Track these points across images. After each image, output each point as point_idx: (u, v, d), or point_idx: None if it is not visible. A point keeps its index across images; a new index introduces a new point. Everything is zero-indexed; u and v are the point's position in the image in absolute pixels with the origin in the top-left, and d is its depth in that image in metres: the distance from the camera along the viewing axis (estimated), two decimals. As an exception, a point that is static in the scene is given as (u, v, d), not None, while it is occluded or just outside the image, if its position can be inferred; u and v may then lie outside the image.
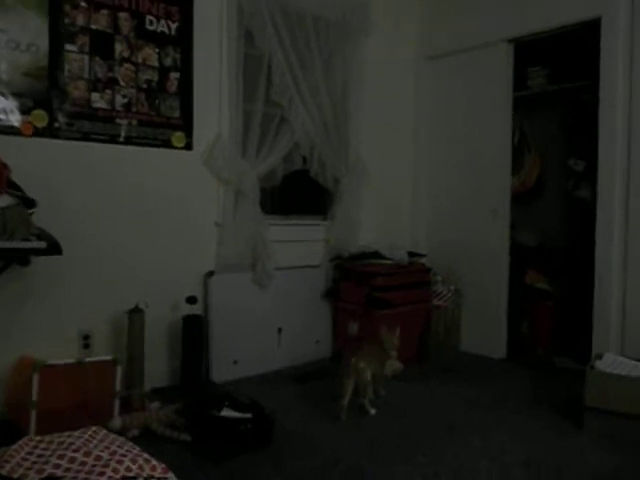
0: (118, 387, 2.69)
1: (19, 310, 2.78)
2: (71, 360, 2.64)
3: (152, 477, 1.05)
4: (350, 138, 4.06)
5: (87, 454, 1.17)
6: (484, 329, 4.12)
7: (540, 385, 3.44)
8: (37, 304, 2.82)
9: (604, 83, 3.43)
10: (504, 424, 2.80)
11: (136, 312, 2.95)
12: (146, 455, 1.28)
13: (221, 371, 3.38)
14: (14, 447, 1.26)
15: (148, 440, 2.45)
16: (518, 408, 3.04)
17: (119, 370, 2.70)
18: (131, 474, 1.10)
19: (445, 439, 2.62)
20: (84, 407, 2.58)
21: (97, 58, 2.96)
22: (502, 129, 4.03)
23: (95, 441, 1.24)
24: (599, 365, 2.86)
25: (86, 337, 3.00)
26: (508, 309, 4.07)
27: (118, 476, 1.00)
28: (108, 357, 2.73)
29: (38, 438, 1.27)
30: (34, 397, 2.46)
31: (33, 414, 2.45)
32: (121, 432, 2.38)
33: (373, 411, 2.89)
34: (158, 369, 3.20)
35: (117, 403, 2.68)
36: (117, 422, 2.54)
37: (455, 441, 2.60)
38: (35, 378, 2.47)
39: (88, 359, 2.68)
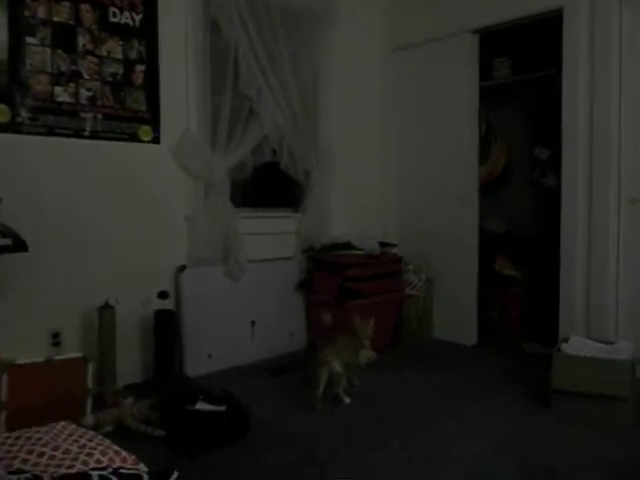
0: (90, 384, 2.65)
1: (-16, 309, 2.71)
2: (40, 359, 2.60)
3: (122, 468, 1.05)
4: (319, 130, 4.07)
5: (56, 448, 1.16)
6: (455, 317, 4.19)
7: (510, 370, 3.53)
8: (3, 302, 2.76)
9: (566, 73, 3.51)
10: (476, 408, 2.87)
11: (106, 308, 2.91)
12: (116, 447, 1.28)
13: (195, 365, 3.36)
14: (-20, 443, 1.25)
15: (122, 436, 2.42)
16: (489, 393, 3.11)
17: (90, 367, 2.66)
18: (101, 466, 1.10)
19: (419, 425, 2.66)
20: (56, 406, 2.53)
21: (59, 51, 2.89)
22: (469, 119, 4.08)
23: (64, 435, 1.23)
24: (565, 348, 2.94)
25: (55, 335, 2.95)
26: (478, 296, 4.14)
27: (88, 468, 1.00)
28: (78, 355, 2.70)
29: (5, 434, 1.25)
30: (3, 398, 2.41)
31: (3, 415, 2.41)
32: (94, 429, 2.35)
33: (348, 400, 2.92)
34: (131, 365, 3.18)
35: (89, 400, 2.65)
36: (90, 419, 2.52)
37: (429, 427, 2.65)
38: (3, 378, 2.43)
39: (58, 357, 2.64)
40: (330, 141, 4.08)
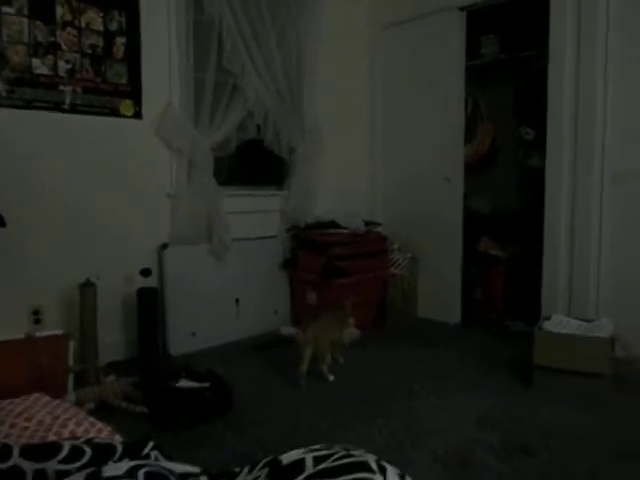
0: (71, 362, 2.64)
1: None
2: (21, 335, 2.57)
3: (96, 438, 1.04)
4: (304, 107, 4.02)
5: (29, 419, 1.14)
6: (440, 295, 4.21)
7: (493, 348, 3.56)
8: (-18, 279, 2.72)
9: (553, 51, 3.49)
10: (459, 385, 2.89)
11: (87, 286, 2.88)
12: (92, 419, 1.26)
13: (179, 343, 3.35)
14: (-49, 417, 1.22)
15: (104, 413, 2.40)
16: (473, 370, 3.14)
17: (71, 344, 2.64)
18: (75, 437, 1.09)
19: (402, 402, 2.68)
20: (37, 383, 2.51)
21: (37, 22, 2.81)
22: (455, 98, 4.06)
23: (37, 407, 1.21)
24: (547, 326, 2.97)
25: (36, 312, 2.92)
26: (462, 276, 4.17)
27: (61, 439, 0.98)
28: (59, 332, 2.67)
29: (-23, 407, 1.24)
30: (-17, 374, 2.38)
31: (-18, 392, 2.38)
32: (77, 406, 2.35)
33: (332, 377, 2.93)
34: (113, 343, 3.16)
35: (71, 378, 2.63)
36: (71, 396, 2.50)
37: (412, 403, 2.67)
38: (-17, 355, 2.40)
39: (39, 334, 2.62)
40: (316, 118, 4.04)
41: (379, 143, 4.54)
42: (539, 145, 4.01)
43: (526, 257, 4.13)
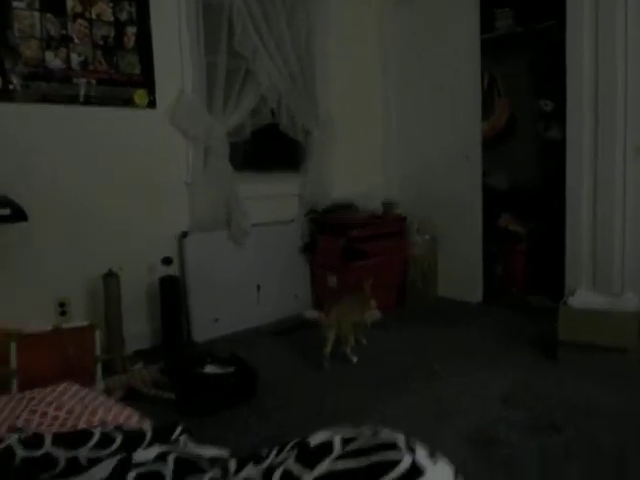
0: (98, 351, 2.68)
1: (-11, 280, 2.72)
2: (48, 328, 2.62)
3: (126, 425, 1.06)
4: (318, 89, 3.98)
5: (59, 408, 1.17)
6: (460, 274, 4.18)
7: (516, 324, 3.53)
8: (8, 273, 2.77)
9: (570, 22, 3.40)
10: (482, 363, 2.88)
11: (110, 276, 2.92)
12: (120, 405, 1.29)
13: (202, 330, 3.39)
14: (-17, 406, 1.26)
15: (133, 400, 2.45)
16: (495, 347, 3.12)
17: (98, 334, 2.68)
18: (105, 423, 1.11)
19: (426, 381, 2.68)
20: (66, 373, 2.56)
21: (48, 15, 2.82)
22: (471, 73, 3.99)
23: (67, 396, 1.23)
24: (571, 301, 2.94)
25: (62, 304, 2.97)
26: (483, 253, 4.13)
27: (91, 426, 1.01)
28: (85, 323, 2.71)
29: (7, 397, 1.26)
30: (13, 366, 2.44)
31: (14, 383, 2.43)
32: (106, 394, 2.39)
33: (355, 359, 2.94)
34: (138, 332, 3.20)
35: (99, 367, 2.67)
36: (100, 385, 2.55)
37: (435, 382, 2.67)
38: (13, 347, 2.45)
39: (65, 326, 2.66)
40: (329, 100, 4.01)
41: (394, 123, 4.48)
42: (559, 117, 3.93)
43: (547, 232, 4.07)
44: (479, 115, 4.06)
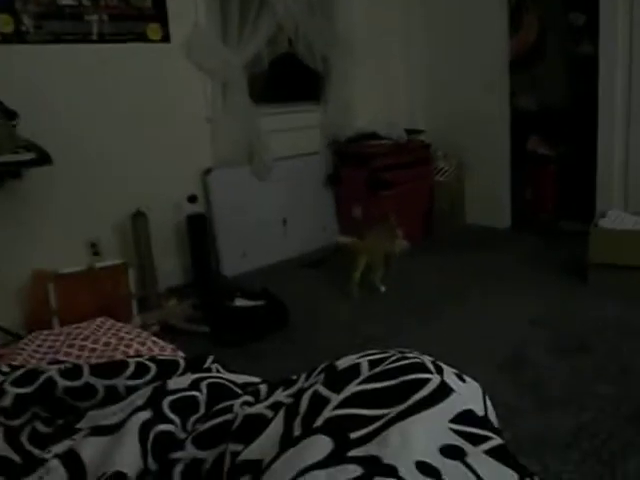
0: (132, 288, 2.76)
1: (22, 225, 2.77)
2: (82, 267, 2.69)
3: (160, 356, 1.10)
4: (337, 15, 3.82)
5: (96, 341, 1.22)
6: (488, 200, 4.12)
7: (546, 249, 3.50)
8: (38, 217, 2.82)
9: None
10: (511, 287, 2.88)
11: (139, 216, 2.95)
12: (154, 338, 1.34)
13: (231, 265, 3.44)
14: (24, 341, 1.31)
15: (168, 335, 2.54)
16: (525, 272, 3.11)
17: (131, 272, 2.76)
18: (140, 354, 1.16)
19: (455, 307, 2.71)
20: (103, 310, 2.65)
21: (56, -51, 2.72)
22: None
23: (103, 329, 1.29)
24: (602, 223, 2.89)
25: (93, 245, 3.03)
26: (511, 178, 4.04)
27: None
28: (118, 261, 2.78)
29: (46, 332, 1.32)
30: (53, 305, 2.54)
31: (55, 321, 2.54)
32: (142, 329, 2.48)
33: (383, 288, 2.98)
34: (170, 269, 3.27)
35: (134, 303, 2.76)
36: (137, 320, 2.64)
37: (465, 307, 2.69)
38: (51, 287, 2.54)
39: (99, 265, 2.73)
40: (349, 24, 3.84)
41: (417, 46, 4.30)
42: (591, 31, 3.71)
43: (578, 155, 3.95)
44: (506, 32, 3.88)
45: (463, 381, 0.75)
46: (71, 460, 0.80)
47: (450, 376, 0.74)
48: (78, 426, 0.90)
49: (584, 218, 3.44)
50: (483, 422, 0.69)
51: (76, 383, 0.94)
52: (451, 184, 4.15)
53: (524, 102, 4.37)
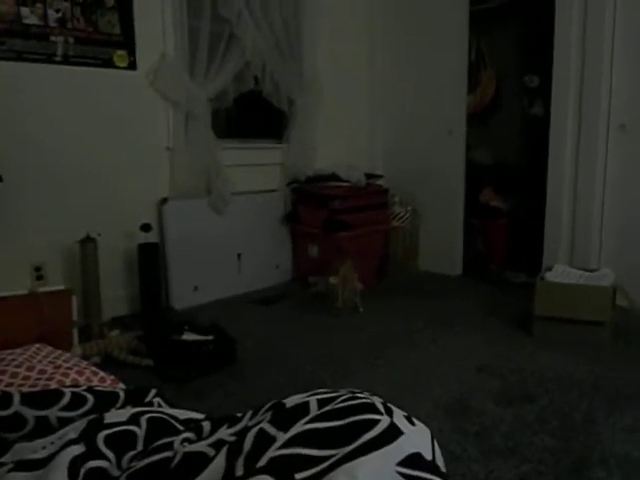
0: (75, 317, 2.65)
1: (-37, 243, 2.65)
2: (24, 291, 2.57)
3: (98, 387, 1.04)
4: (304, 57, 3.91)
5: (30, 368, 1.15)
6: (441, 248, 4.21)
7: (494, 299, 3.57)
8: (-18, 236, 2.71)
9: (560, -5, 3.36)
10: (460, 335, 2.92)
11: (88, 241, 2.87)
12: (94, 368, 1.27)
13: (181, 298, 3.37)
14: (-45, 366, 1.23)
15: (110, 367, 2.43)
16: (473, 320, 3.16)
17: (74, 299, 2.65)
18: (77, 385, 1.10)
19: (404, 350, 2.71)
20: (43, 338, 2.53)
21: (23, -32, 2.70)
22: (458, 45, 3.94)
23: (39, 357, 1.22)
24: (549, 276, 2.97)
25: (38, 269, 2.92)
26: (464, 227, 4.15)
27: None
28: (62, 287, 2.67)
29: (-22, 357, 1.24)
30: (-13, 329, 2.40)
31: (-12, 346, 2.40)
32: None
33: (362, 309, 3.29)
34: (116, 298, 3.17)
35: (76, 332, 2.65)
36: (77, 350, 2.52)
37: (414, 352, 2.69)
38: (-14, 311, 2.41)
39: (41, 289, 2.62)
40: (315, 69, 3.94)
41: (379, 94, 4.44)
42: (544, 93, 3.91)
43: (528, 209, 4.10)
44: (465, 88, 4.04)
45: (413, 424, 0.75)
46: (-10, 497, 0.74)
47: (400, 418, 0.73)
48: (2, 460, 0.84)
49: (532, 270, 3.55)
50: (431, 466, 0.68)
51: (4, 412, 0.87)
52: (406, 229, 4.22)
53: (479, 155, 4.54)
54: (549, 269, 3.08)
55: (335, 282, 3.24)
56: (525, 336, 2.88)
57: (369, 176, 3.99)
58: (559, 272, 3.01)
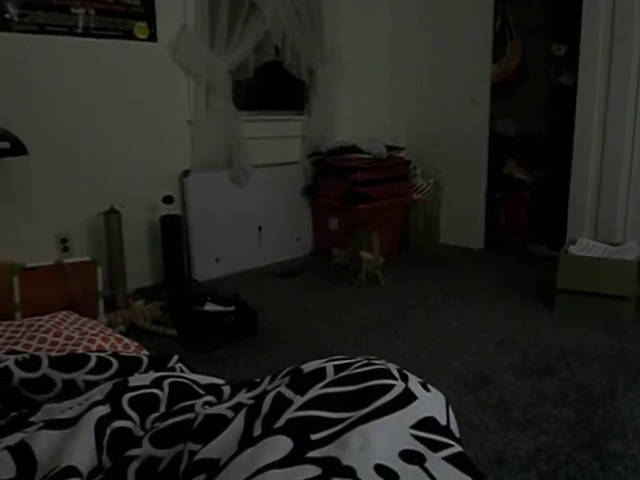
0: (100, 287, 2.71)
1: (-9, 215, 2.71)
2: (50, 262, 2.63)
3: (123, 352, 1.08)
4: (325, 27, 3.85)
5: (58, 334, 1.19)
6: (463, 221, 4.17)
7: (516, 272, 3.55)
8: (8, 208, 2.76)
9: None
10: (481, 308, 2.91)
11: (112, 213, 2.91)
12: (119, 335, 1.31)
13: (203, 269, 3.41)
14: (-19, 331, 1.27)
15: (135, 336, 2.49)
16: (495, 293, 3.14)
17: (99, 270, 2.70)
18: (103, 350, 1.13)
19: (424, 323, 2.72)
20: (69, 308, 2.59)
21: (44, -61, 2.69)
22: (483, 14, 3.84)
23: (66, 323, 1.25)
24: (572, 249, 2.94)
25: (64, 240, 2.97)
26: (486, 200, 4.10)
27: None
28: (87, 258, 2.73)
29: (6, 323, 1.28)
30: (17, 299, 2.47)
31: (18, 315, 2.47)
32: (107, 328, 2.43)
33: (383, 282, 3.31)
34: (140, 269, 3.22)
35: (101, 303, 2.71)
36: (103, 319, 2.58)
37: (434, 325, 2.70)
38: (15, 281, 2.47)
39: (67, 260, 2.68)
40: (336, 39, 3.88)
41: (402, 65, 4.36)
42: (571, 62, 3.81)
43: (552, 181, 4.03)
44: (489, 57, 3.95)
45: (428, 390, 0.76)
46: (21, 453, 0.78)
47: (415, 384, 0.74)
48: (32, 419, 0.88)
49: (555, 244, 3.51)
50: (444, 430, 0.69)
51: (33, 375, 0.91)
52: (427, 202, 4.19)
53: (503, 126, 4.46)
54: (573, 242, 3.04)
55: (368, 257, 3.26)
56: (547, 310, 2.86)
57: (390, 148, 3.95)
58: (583, 245, 2.98)
